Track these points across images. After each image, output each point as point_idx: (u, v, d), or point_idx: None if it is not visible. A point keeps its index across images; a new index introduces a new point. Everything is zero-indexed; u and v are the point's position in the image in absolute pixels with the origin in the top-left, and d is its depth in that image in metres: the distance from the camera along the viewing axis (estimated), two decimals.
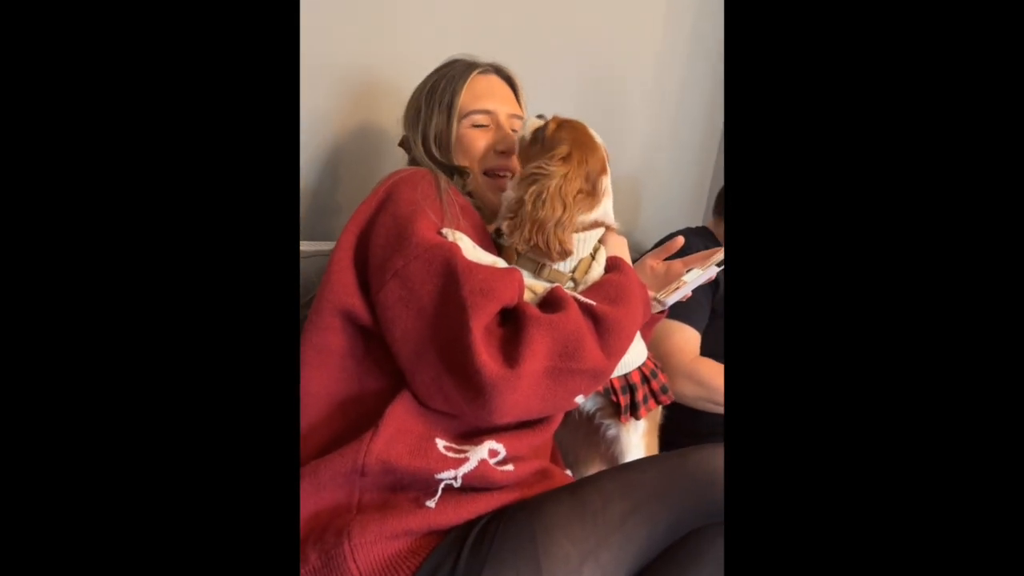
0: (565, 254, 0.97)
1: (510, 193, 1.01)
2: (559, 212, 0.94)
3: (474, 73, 1.14)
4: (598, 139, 1.04)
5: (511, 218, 0.98)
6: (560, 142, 0.99)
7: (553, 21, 1.75)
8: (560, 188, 0.95)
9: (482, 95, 1.14)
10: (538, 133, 1.04)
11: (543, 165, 0.96)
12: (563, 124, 1.03)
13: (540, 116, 1.07)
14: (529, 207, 0.95)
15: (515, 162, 1.12)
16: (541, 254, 0.97)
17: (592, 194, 1.00)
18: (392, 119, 1.35)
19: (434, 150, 1.12)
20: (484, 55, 1.19)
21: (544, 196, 0.94)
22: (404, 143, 1.19)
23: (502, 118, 1.15)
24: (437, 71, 1.17)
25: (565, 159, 0.97)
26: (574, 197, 0.97)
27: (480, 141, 1.13)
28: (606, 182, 1.02)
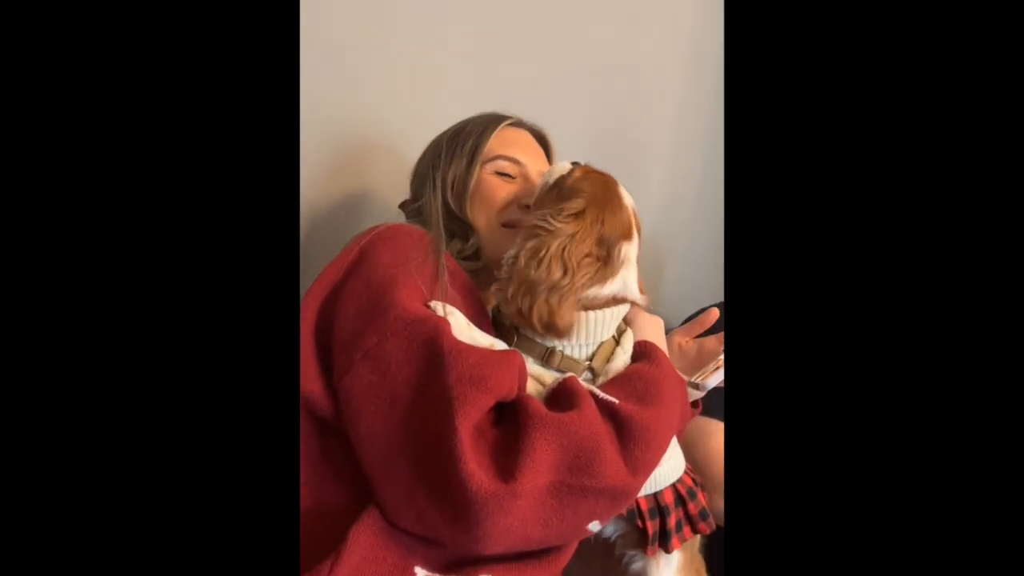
0: (552, 329, 0.84)
1: (511, 250, 0.89)
2: (556, 276, 0.83)
3: (504, 124, 1.08)
4: (627, 199, 0.93)
5: (504, 278, 0.87)
6: (577, 194, 0.88)
7: (563, 69, 1.67)
8: (564, 248, 0.83)
9: (512, 144, 1.07)
10: (561, 180, 0.94)
11: (549, 219, 0.85)
12: (589, 175, 0.92)
13: (575, 163, 0.98)
14: (522, 263, 0.84)
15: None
16: (523, 322, 0.85)
17: (606, 262, 0.87)
18: (379, 180, 1.28)
19: (449, 197, 1.03)
20: (490, 105, 1.13)
21: (543, 254, 0.83)
22: (406, 204, 1.12)
23: (531, 172, 1.07)
24: (463, 121, 1.12)
25: (577, 215, 0.86)
26: (579, 261, 0.84)
27: (502, 191, 1.04)
28: (627, 250, 0.90)
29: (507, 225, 1.03)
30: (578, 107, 1.70)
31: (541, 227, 0.85)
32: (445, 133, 1.10)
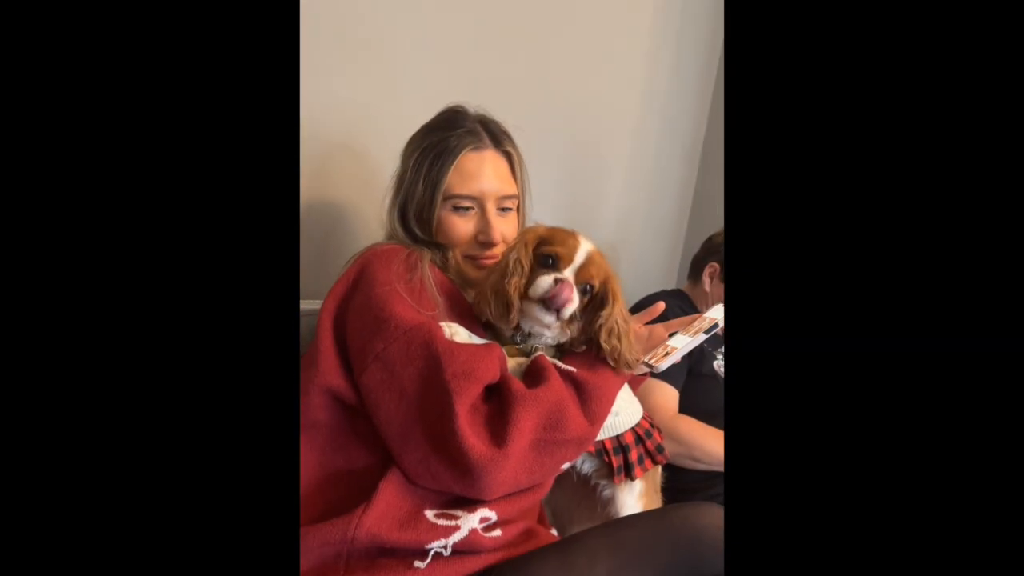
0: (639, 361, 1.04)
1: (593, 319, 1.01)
2: (631, 335, 1.01)
3: (466, 150, 1.05)
4: (572, 231, 1.05)
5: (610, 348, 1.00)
6: (590, 267, 1.00)
7: (539, 93, 1.79)
8: (623, 314, 1.01)
9: (471, 177, 1.05)
10: (564, 267, 0.99)
11: (609, 287, 1.01)
12: (585, 263, 1.00)
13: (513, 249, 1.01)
14: (607, 349, 0.99)
15: (497, 252, 1.09)
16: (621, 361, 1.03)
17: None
18: (343, 186, 1.27)
19: (412, 224, 1.07)
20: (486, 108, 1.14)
21: (617, 332, 0.98)
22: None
23: (488, 203, 1.07)
24: (436, 128, 1.09)
25: (613, 294, 1.01)
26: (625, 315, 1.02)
27: (460, 228, 1.07)
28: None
29: (467, 257, 1.10)
30: (553, 128, 1.84)
31: (609, 298, 1.00)
32: (412, 147, 1.08)
